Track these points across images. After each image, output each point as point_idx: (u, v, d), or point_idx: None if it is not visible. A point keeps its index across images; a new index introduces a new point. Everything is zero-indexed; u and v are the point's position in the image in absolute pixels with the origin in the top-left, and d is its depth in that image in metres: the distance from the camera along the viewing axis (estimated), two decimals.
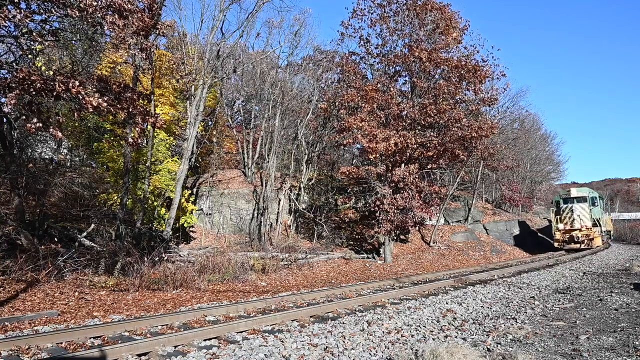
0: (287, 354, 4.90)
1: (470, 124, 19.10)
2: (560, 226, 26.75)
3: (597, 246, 26.09)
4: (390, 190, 18.93)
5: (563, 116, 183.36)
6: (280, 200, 23.16)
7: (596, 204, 27.16)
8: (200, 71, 18.10)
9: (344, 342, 5.42)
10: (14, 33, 8.50)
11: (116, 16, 8.21)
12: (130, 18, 8.44)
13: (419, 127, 19.80)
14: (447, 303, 8.13)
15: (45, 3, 8.17)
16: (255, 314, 7.68)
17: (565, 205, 27.16)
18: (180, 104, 22.70)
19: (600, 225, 26.25)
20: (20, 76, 7.23)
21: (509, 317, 6.89)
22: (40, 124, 7.69)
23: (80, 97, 7.84)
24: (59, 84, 7.48)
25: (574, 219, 26.41)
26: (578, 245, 25.77)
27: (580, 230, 25.99)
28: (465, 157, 21.39)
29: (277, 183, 24.15)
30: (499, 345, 5.15)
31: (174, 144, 21.19)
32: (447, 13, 20.47)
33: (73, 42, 10.71)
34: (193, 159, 22.56)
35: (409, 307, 7.76)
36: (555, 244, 26.98)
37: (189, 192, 21.44)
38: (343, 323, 6.56)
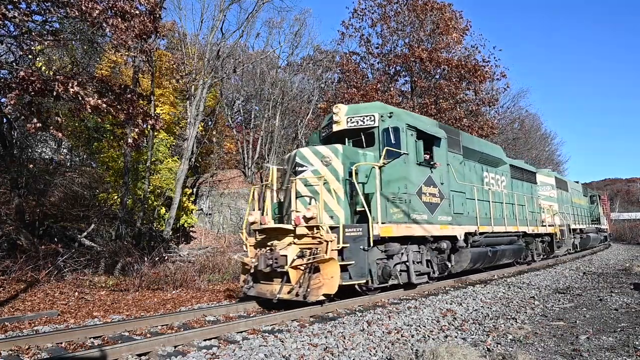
0: (287, 354, 4.90)
1: (470, 124, 19.12)
2: (256, 227, 8.20)
3: (318, 288, 7.04)
4: None
5: (563, 116, 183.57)
6: None
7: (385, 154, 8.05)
8: (200, 71, 18.11)
9: (344, 342, 5.42)
10: (14, 33, 8.52)
11: (118, 19, 8.22)
12: (132, 21, 8.45)
13: None
14: (447, 303, 8.13)
15: (45, 3, 8.18)
16: (255, 314, 7.68)
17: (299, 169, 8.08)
18: (180, 104, 22.71)
19: (370, 217, 7.29)
20: (21, 76, 7.25)
21: (508, 317, 6.89)
22: (40, 124, 7.71)
23: (79, 98, 7.86)
24: (59, 84, 7.49)
25: (289, 206, 8.07)
26: (277, 287, 7.40)
27: (294, 237, 7.41)
28: None
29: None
30: (499, 345, 5.15)
31: (174, 143, 21.20)
32: (447, 13, 20.49)
33: (73, 42, 10.73)
34: (193, 159, 22.57)
35: (409, 307, 7.75)
36: (241, 279, 8.39)
37: (189, 191, 21.45)
38: (343, 323, 6.55)
